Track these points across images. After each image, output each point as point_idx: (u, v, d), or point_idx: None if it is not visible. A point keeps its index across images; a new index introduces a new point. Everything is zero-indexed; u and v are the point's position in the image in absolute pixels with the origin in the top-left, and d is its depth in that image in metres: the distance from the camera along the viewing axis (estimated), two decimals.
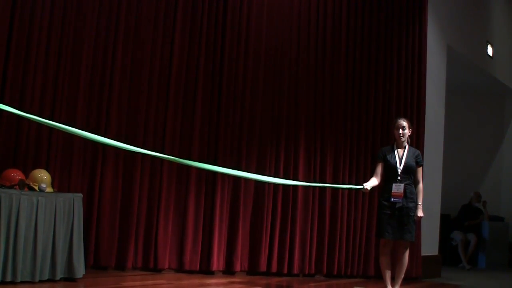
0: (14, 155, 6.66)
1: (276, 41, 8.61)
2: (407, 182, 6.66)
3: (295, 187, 8.37)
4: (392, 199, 6.60)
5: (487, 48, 12.44)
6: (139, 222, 7.53)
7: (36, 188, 6.09)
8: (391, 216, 6.61)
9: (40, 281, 5.85)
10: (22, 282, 5.67)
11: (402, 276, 6.78)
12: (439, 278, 9.71)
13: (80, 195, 6.43)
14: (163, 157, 4.35)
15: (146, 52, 7.77)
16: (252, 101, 8.35)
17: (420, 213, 6.69)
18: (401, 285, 6.80)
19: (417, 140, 9.16)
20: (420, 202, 6.72)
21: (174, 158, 4.49)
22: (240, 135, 8.22)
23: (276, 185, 8.25)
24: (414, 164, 6.74)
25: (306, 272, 8.45)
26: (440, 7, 10.28)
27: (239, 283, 7.47)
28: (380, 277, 7.16)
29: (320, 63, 8.84)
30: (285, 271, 8.30)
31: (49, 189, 6.22)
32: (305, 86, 8.71)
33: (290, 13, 8.73)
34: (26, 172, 6.31)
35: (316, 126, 8.72)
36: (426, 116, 9.52)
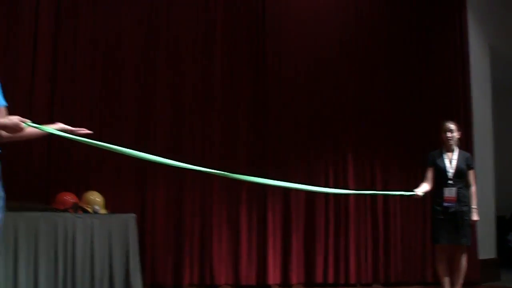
0: (67, 179, 6.75)
1: (317, 49, 8.56)
2: (459, 185, 6.56)
3: (346, 196, 8.32)
4: (445, 204, 6.51)
5: None
6: (193, 239, 7.55)
7: (90, 210, 6.16)
8: (445, 221, 6.51)
9: None
10: None
11: (461, 281, 6.67)
12: (499, 282, 9.50)
13: (134, 215, 6.48)
14: (213, 172, 4.34)
15: (188, 67, 7.82)
16: (298, 112, 8.32)
17: (475, 216, 6.58)
18: None
19: (466, 142, 9.02)
20: (474, 206, 6.60)
21: (225, 173, 4.47)
22: (287, 146, 8.19)
23: (327, 195, 8.22)
24: (465, 167, 6.64)
25: (363, 282, 8.36)
26: (480, 6, 10.13)
27: None
28: (438, 284, 7.05)
29: (362, 68, 8.77)
30: (342, 281, 8.23)
31: (103, 211, 6.29)
32: (349, 92, 8.65)
33: (328, 19, 8.69)
34: (79, 195, 6.39)
35: (364, 133, 8.65)
36: (473, 117, 9.37)
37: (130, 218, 6.37)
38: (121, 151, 3.76)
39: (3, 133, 3.68)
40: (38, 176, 6.55)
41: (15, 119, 3.34)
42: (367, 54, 8.85)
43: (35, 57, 6.80)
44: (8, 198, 3.61)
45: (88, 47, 7.16)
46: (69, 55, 6.99)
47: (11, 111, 3.53)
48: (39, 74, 6.79)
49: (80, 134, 3.78)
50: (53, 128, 3.73)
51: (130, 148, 5.74)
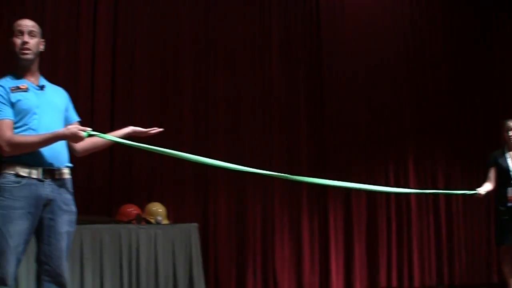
0: (129, 191, 6.86)
1: (373, 52, 8.54)
2: None
3: (407, 198, 8.25)
4: (509, 204, 6.37)
5: None
6: (255, 246, 7.57)
7: (153, 221, 6.24)
8: (509, 222, 6.37)
9: None
10: None
11: None
12: None
13: (196, 224, 6.53)
14: (273, 175, 4.37)
15: (245, 77, 7.85)
16: (356, 115, 8.30)
17: None
18: None
19: None
20: None
21: (285, 175, 4.47)
22: (347, 150, 8.18)
23: (388, 198, 8.17)
24: None
25: (427, 284, 8.27)
26: None
27: None
28: (505, 285, 6.92)
29: (420, 69, 8.71)
30: (406, 285, 8.16)
31: (165, 221, 6.37)
32: (407, 94, 8.59)
33: (383, 22, 8.65)
34: (142, 206, 6.48)
35: (423, 134, 8.57)
36: None
37: (193, 228, 6.43)
38: (184, 157, 3.82)
39: (78, 147, 3.80)
40: (101, 189, 6.68)
41: (73, 128, 3.44)
42: (424, 55, 8.78)
43: (94, 69, 6.91)
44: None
45: (146, 58, 7.24)
46: (126, 66, 7.09)
47: None
48: (98, 87, 6.89)
49: (152, 134, 3.88)
50: (122, 134, 3.84)
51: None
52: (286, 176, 4.39)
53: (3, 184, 3.46)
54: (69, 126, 3.46)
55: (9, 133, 3.44)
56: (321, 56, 8.26)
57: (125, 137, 3.85)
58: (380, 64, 8.54)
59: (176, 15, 7.52)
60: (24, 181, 3.47)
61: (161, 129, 3.93)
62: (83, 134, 3.43)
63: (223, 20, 7.79)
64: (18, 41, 3.61)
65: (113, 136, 3.77)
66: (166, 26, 7.44)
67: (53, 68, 6.37)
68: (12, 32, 3.64)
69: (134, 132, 3.88)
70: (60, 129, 3.49)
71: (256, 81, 7.89)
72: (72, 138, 3.46)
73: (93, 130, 3.55)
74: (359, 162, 8.20)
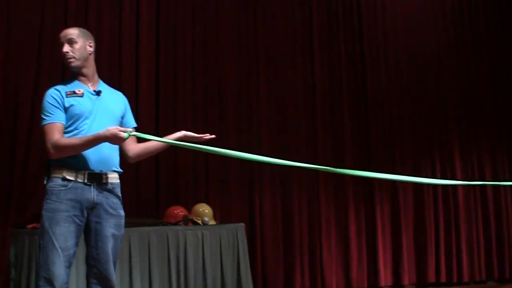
0: (176, 192, 6.90)
1: (415, 45, 8.47)
2: None
3: (455, 191, 8.17)
4: None
5: None
6: (302, 244, 7.56)
7: (200, 222, 6.27)
8: None
9: None
10: None
11: None
12: None
13: (242, 224, 6.55)
14: (319, 168, 4.37)
15: (288, 73, 7.83)
16: (400, 109, 8.25)
17: None
18: None
19: None
20: None
21: (330, 168, 4.44)
22: (392, 145, 8.12)
23: (435, 192, 8.10)
24: None
25: (477, 279, 8.17)
26: None
27: None
28: None
29: (463, 61, 8.62)
30: (455, 280, 8.07)
31: (212, 222, 6.39)
32: (450, 87, 8.51)
33: (424, 14, 8.58)
34: (188, 207, 6.51)
35: (468, 126, 8.48)
36: None
37: (239, 228, 6.45)
38: (229, 154, 3.83)
39: (130, 153, 3.86)
40: (147, 191, 6.73)
41: (113, 129, 3.47)
42: (467, 46, 8.69)
43: (138, 73, 6.96)
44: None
45: (188, 58, 7.26)
46: (170, 66, 7.12)
47: None
48: (143, 89, 6.94)
49: (204, 139, 3.90)
50: (174, 138, 3.86)
51: (236, 160, 5.88)
52: (332, 169, 4.37)
53: (51, 187, 3.57)
54: (110, 127, 3.50)
55: (56, 136, 3.54)
56: (363, 51, 8.22)
57: (176, 141, 3.87)
58: (422, 57, 8.47)
59: (217, 15, 7.52)
60: (70, 184, 3.56)
61: (213, 136, 3.94)
62: (124, 135, 3.47)
63: (263, 19, 7.78)
64: (61, 52, 3.75)
65: (155, 137, 3.79)
66: (207, 25, 7.44)
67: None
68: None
69: (186, 137, 3.90)
70: (101, 131, 3.53)
71: (299, 78, 7.87)
72: (112, 139, 3.50)
73: (135, 131, 3.59)
74: (405, 157, 8.15)
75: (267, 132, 7.59)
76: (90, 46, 3.82)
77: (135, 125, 3.97)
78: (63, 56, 3.74)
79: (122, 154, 3.88)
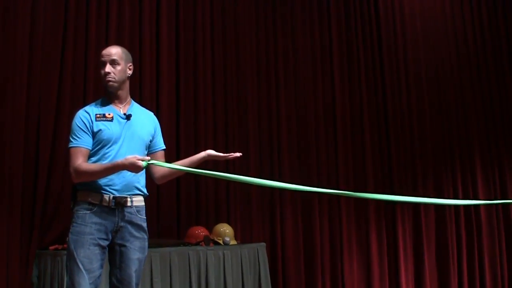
0: (196, 213, 6.91)
1: (435, 60, 8.52)
2: None
3: (477, 210, 8.13)
4: None
5: None
6: (324, 264, 7.53)
7: (221, 242, 6.28)
8: None
9: None
10: None
11: None
12: None
13: (263, 244, 6.56)
14: (341, 193, 4.36)
15: (308, 92, 7.84)
16: (420, 124, 8.26)
17: None
18: None
19: None
20: None
21: (352, 193, 4.44)
22: (413, 161, 8.13)
23: (457, 210, 8.07)
24: None
25: None
26: None
27: None
28: None
29: (484, 74, 8.61)
30: None
31: (233, 242, 6.39)
32: (471, 102, 8.51)
33: (445, 30, 8.63)
34: (209, 227, 6.53)
35: (490, 141, 8.46)
36: None
37: (261, 247, 6.46)
38: (252, 181, 3.82)
39: (156, 175, 3.88)
40: (168, 212, 6.74)
41: (132, 158, 3.49)
42: (487, 61, 8.69)
43: (158, 94, 6.99)
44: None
45: (208, 76, 7.27)
46: (190, 92, 7.14)
47: None
48: (163, 108, 6.95)
49: (230, 158, 3.85)
50: (198, 159, 3.86)
51: (256, 175, 5.87)
52: (354, 194, 4.36)
53: (77, 211, 3.61)
54: (128, 156, 3.52)
55: (79, 161, 3.56)
56: (383, 67, 8.25)
57: (202, 161, 3.87)
58: (442, 73, 8.52)
59: (236, 34, 7.54)
60: (95, 208, 3.59)
61: (239, 154, 3.88)
62: (142, 164, 3.49)
63: (283, 37, 7.80)
64: (101, 72, 3.77)
65: (174, 164, 3.79)
66: (226, 45, 7.44)
67: None
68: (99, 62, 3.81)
69: (210, 156, 3.88)
70: (120, 159, 3.56)
71: (319, 96, 7.89)
72: (130, 168, 3.52)
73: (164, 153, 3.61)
74: (426, 175, 8.15)
75: (287, 152, 7.58)
76: (130, 69, 3.85)
77: (164, 147, 3.99)
78: (103, 76, 3.75)
79: (149, 175, 3.90)
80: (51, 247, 5.67)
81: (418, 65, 8.42)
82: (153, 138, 3.92)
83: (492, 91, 8.65)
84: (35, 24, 6.11)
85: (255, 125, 7.47)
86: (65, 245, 5.48)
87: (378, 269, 7.72)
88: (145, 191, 3.82)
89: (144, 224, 3.77)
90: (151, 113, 4.04)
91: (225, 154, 3.88)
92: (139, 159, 3.48)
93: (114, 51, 3.80)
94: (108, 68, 3.74)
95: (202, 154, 3.88)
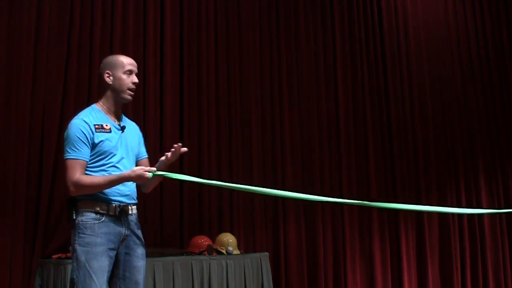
0: (199, 222, 6.89)
1: (439, 70, 8.54)
2: None
3: (481, 218, 8.13)
4: None
5: None
6: (327, 274, 7.51)
7: (224, 251, 6.27)
8: None
9: None
10: None
11: None
12: None
13: (267, 253, 6.54)
14: (343, 202, 4.36)
15: (311, 100, 7.84)
16: (424, 134, 8.27)
17: None
18: None
19: None
20: None
21: (357, 201, 4.42)
22: (416, 170, 8.13)
23: (461, 219, 8.06)
24: None
25: None
26: None
27: None
28: None
29: (488, 86, 8.64)
30: None
31: (236, 251, 6.38)
32: (475, 111, 8.51)
33: (448, 40, 8.65)
34: (212, 237, 6.52)
35: (494, 151, 8.47)
36: None
37: (264, 257, 6.44)
38: (256, 190, 3.81)
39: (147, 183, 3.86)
40: (171, 221, 6.73)
41: (138, 170, 3.48)
42: (491, 72, 8.70)
43: (162, 104, 6.98)
44: (145, 245, 3.77)
45: (212, 87, 7.26)
46: (194, 102, 7.13)
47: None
48: (166, 119, 6.94)
49: (179, 152, 3.77)
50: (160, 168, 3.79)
51: (259, 182, 5.86)
52: (359, 203, 4.34)
53: (83, 221, 3.52)
54: (135, 168, 3.52)
55: (78, 174, 3.50)
56: (386, 77, 8.27)
57: (165, 168, 3.77)
58: (446, 82, 8.57)
59: (239, 44, 7.53)
60: (103, 218, 3.55)
61: (185, 149, 3.80)
62: (149, 175, 3.48)
63: (287, 47, 7.80)
64: (128, 79, 3.70)
65: (181, 175, 3.78)
66: (229, 54, 7.43)
67: None
68: (117, 66, 3.71)
69: (163, 163, 3.78)
70: (125, 171, 3.55)
71: (322, 105, 7.90)
72: (137, 179, 3.51)
73: (158, 170, 3.59)
74: (429, 182, 8.17)
75: (290, 159, 7.58)
76: None
77: (147, 156, 3.97)
78: (132, 84, 3.71)
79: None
80: (54, 256, 5.66)
81: (422, 75, 8.44)
82: (139, 146, 3.91)
83: (496, 101, 8.67)
84: (39, 29, 6.11)
85: (258, 132, 7.46)
86: (68, 254, 5.47)
87: (381, 279, 7.71)
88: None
89: (140, 232, 3.77)
90: (135, 123, 4.01)
91: (168, 154, 3.75)
92: (146, 171, 3.47)
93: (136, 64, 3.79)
94: (136, 78, 3.73)
95: (158, 164, 3.77)
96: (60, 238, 5.84)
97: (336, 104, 7.95)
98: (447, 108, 8.47)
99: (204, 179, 3.79)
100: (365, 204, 4.29)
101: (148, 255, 3.86)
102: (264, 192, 3.83)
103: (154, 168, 3.57)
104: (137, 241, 3.70)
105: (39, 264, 5.67)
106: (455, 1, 8.92)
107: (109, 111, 3.71)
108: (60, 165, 5.94)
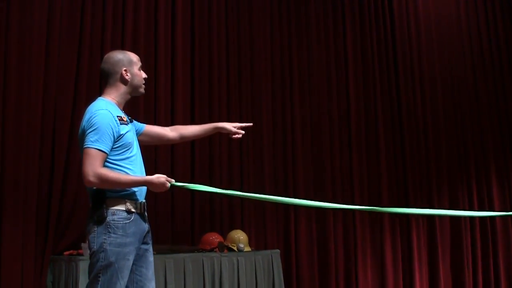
0: (211, 219, 6.91)
1: (451, 71, 8.48)
2: None
3: (492, 219, 8.07)
4: None
5: None
6: (338, 271, 7.51)
7: (235, 248, 6.28)
8: None
9: None
10: None
11: None
12: None
13: (278, 251, 6.55)
14: (355, 208, 4.37)
15: (323, 101, 7.83)
16: (435, 136, 8.23)
17: None
18: None
19: None
20: None
21: (368, 207, 4.44)
22: (428, 172, 8.09)
23: (472, 219, 8.03)
24: None
25: None
26: None
27: None
28: None
29: (500, 89, 8.59)
30: None
31: (247, 248, 6.39)
32: (487, 113, 8.47)
33: (460, 41, 8.61)
34: (224, 234, 6.53)
35: (506, 153, 8.43)
36: None
37: (275, 254, 6.45)
38: (267, 199, 3.84)
39: (175, 135, 3.99)
40: (183, 218, 6.74)
41: (162, 178, 3.46)
42: (502, 71, 8.66)
43: (173, 105, 7.00)
44: (156, 242, 3.78)
45: (223, 85, 7.25)
46: (205, 103, 7.14)
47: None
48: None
49: (242, 131, 4.06)
50: (212, 128, 4.00)
51: (270, 184, 5.85)
52: (371, 208, 4.35)
53: (115, 221, 3.45)
54: (159, 175, 3.48)
55: (100, 166, 3.41)
56: (398, 78, 8.24)
57: (212, 132, 4.08)
58: (457, 82, 8.49)
59: (251, 45, 7.54)
60: (133, 216, 3.51)
61: (250, 124, 4.09)
62: (169, 185, 3.49)
63: (298, 45, 7.79)
64: (143, 75, 3.78)
65: (202, 186, 3.79)
66: (241, 56, 7.44)
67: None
68: (131, 62, 3.73)
69: (218, 129, 4.06)
70: (147, 176, 3.53)
71: (334, 107, 7.88)
72: (158, 187, 3.49)
73: (177, 181, 3.57)
74: (441, 184, 8.13)
75: (302, 161, 7.58)
76: None
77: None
78: (143, 81, 3.77)
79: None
80: (66, 253, 5.69)
81: (433, 75, 8.41)
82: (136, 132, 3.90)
83: (508, 103, 8.63)
84: (50, 29, 6.14)
85: (270, 133, 7.46)
86: (80, 251, 5.51)
87: (392, 278, 7.70)
88: None
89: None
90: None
91: (235, 129, 4.01)
92: (168, 180, 3.47)
93: None
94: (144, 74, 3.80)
95: (213, 125, 4.06)
96: (71, 235, 5.88)
97: (348, 105, 7.94)
98: (458, 108, 8.44)
99: (217, 187, 3.79)
100: (376, 210, 4.31)
101: (159, 251, 3.88)
102: (278, 201, 3.87)
103: (173, 180, 3.55)
104: (151, 237, 3.71)
105: (50, 261, 5.70)
106: (467, 0, 8.88)
107: (119, 105, 3.69)
108: (71, 162, 5.98)
